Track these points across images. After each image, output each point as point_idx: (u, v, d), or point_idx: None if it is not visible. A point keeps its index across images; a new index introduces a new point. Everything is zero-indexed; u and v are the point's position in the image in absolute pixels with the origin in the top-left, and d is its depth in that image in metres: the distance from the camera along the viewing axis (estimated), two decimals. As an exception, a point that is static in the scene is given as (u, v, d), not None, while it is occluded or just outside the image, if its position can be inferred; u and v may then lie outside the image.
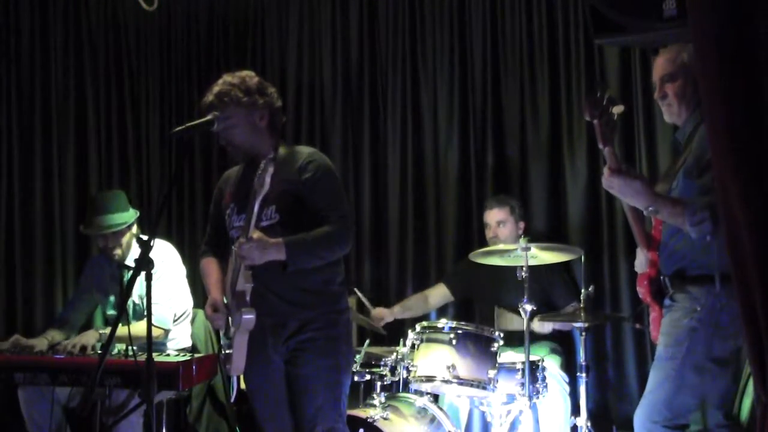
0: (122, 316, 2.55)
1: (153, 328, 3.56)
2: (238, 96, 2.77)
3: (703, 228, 2.45)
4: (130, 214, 3.80)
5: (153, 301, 3.61)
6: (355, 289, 4.16)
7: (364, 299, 4.17)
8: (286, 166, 2.80)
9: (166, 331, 3.74)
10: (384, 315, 4.16)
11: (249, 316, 2.62)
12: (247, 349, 2.68)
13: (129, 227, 3.80)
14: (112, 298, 3.91)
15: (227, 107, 2.76)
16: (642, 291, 2.85)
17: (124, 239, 3.79)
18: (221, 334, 2.87)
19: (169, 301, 3.73)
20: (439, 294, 4.35)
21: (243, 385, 3.06)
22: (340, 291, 2.86)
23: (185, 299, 3.90)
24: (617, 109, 2.45)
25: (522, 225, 4.22)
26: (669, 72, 2.71)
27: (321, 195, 2.75)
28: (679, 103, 2.71)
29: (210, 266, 2.94)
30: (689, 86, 2.68)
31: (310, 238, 2.67)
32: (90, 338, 3.58)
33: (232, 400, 2.79)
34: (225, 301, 2.79)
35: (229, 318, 2.75)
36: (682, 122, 2.75)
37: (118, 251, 3.78)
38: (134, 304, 3.76)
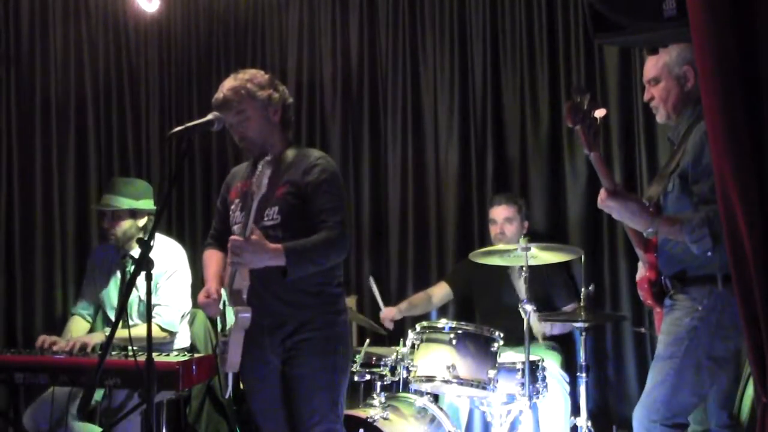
0: (122, 317, 2.54)
1: (161, 331, 3.60)
2: (253, 90, 2.79)
3: (703, 244, 2.44)
4: (135, 203, 3.75)
5: (164, 303, 3.64)
6: (372, 282, 4.15)
7: (377, 295, 4.16)
8: (293, 167, 2.80)
9: (173, 334, 3.73)
10: (392, 314, 4.15)
11: (245, 315, 2.62)
12: (242, 347, 2.67)
13: (131, 215, 3.75)
14: (111, 291, 3.84)
15: (243, 101, 2.77)
16: (643, 294, 2.86)
17: (122, 226, 3.73)
18: (218, 329, 2.87)
19: (178, 304, 3.72)
20: (441, 293, 4.35)
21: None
22: (338, 292, 2.86)
23: (189, 301, 3.90)
24: (599, 113, 2.44)
25: (526, 225, 4.23)
26: (653, 75, 2.72)
27: (321, 199, 2.74)
28: (664, 106, 2.71)
29: (211, 258, 2.95)
30: (673, 88, 2.68)
31: (308, 245, 2.66)
32: (94, 339, 3.58)
33: (226, 396, 2.78)
34: (222, 293, 2.79)
35: (224, 312, 2.75)
36: (675, 122, 2.74)
37: (113, 236, 3.74)
38: (140, 301, 3.72)
